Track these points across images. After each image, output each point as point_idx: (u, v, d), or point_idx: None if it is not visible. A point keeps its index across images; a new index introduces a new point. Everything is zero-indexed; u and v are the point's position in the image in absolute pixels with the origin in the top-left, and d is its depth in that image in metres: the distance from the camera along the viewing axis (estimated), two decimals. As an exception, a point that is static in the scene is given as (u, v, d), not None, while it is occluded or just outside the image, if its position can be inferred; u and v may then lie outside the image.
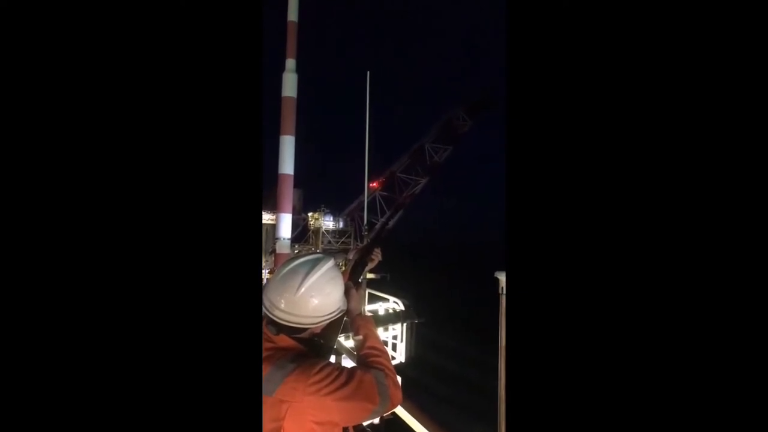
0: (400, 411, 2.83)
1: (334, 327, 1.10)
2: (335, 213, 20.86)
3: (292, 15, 10.31)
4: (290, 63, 9.94)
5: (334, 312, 1.06)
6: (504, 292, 1.53)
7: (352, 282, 1.25)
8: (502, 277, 1.54)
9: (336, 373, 0.93)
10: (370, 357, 1.06)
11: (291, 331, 1.00)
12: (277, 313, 0.98)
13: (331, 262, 1.08)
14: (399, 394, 1.00)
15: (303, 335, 1.02)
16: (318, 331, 1.05)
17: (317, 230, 20.06)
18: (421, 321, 5.43)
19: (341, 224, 20.74)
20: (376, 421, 2.92)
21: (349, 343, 2.53)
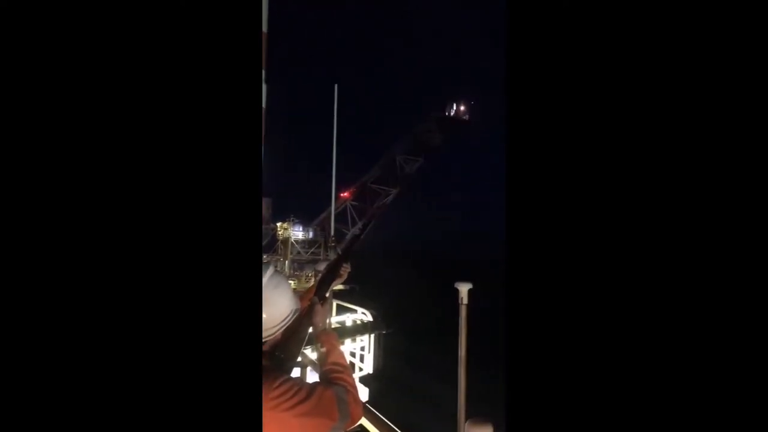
0: (366, 423, 2.82)
1: (295, 341, 1.11)
2: (305, 223, 20.59)
3: (263, 26, 10.24)
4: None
5: (287, 317, 1.07)
6: (464, 302, 1.57)
7: (318, 297, 1.26)
8: (462, 288, 1.59)
9: (296, 388, 0.93)
10: (332, 373, 1.08)
11: None
12: None
13: (270, 270, 1.07)
14: (359, 411, 1.02)
15: (263, 348, 1.03)
16: (280, 337, 1.06)
17: (286, 240, 19.73)
18: (389, 331, 5.42)
19: (311, 234, 20.49)
20: (342, 433, 2.88)
21: (314, 355, 2.51)
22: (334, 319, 5.42)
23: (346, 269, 1.41)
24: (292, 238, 19.91)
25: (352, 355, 5.13)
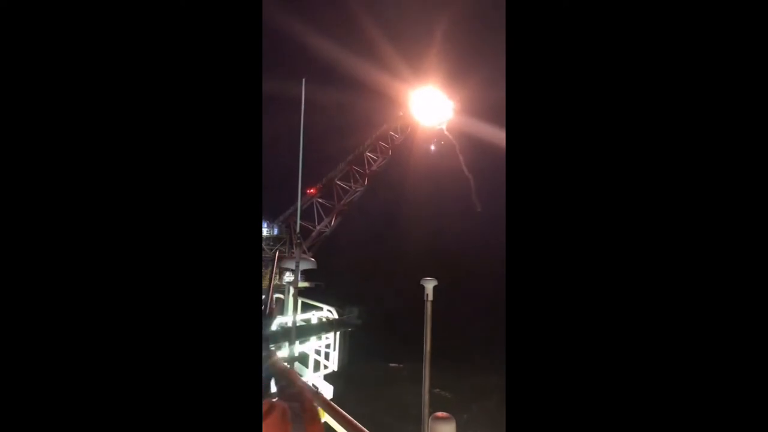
0: (330, 420, 2.80)
1: None
2: (270, 219, 20.19)
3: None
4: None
5: None
6: (429, 298, 1.60)
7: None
8: (427, 285, 1.61)
9: None
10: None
11: None
12: None
13: None
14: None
15: None
16: None
17: (250, 237, 19.26)
18: (356, 326, 5.44)
19: (276, 231, 20.12)
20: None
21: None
22: (300, 317, 5.36)
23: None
24: (256, 235, 19.46)
25: (317, 353, 5.10)
